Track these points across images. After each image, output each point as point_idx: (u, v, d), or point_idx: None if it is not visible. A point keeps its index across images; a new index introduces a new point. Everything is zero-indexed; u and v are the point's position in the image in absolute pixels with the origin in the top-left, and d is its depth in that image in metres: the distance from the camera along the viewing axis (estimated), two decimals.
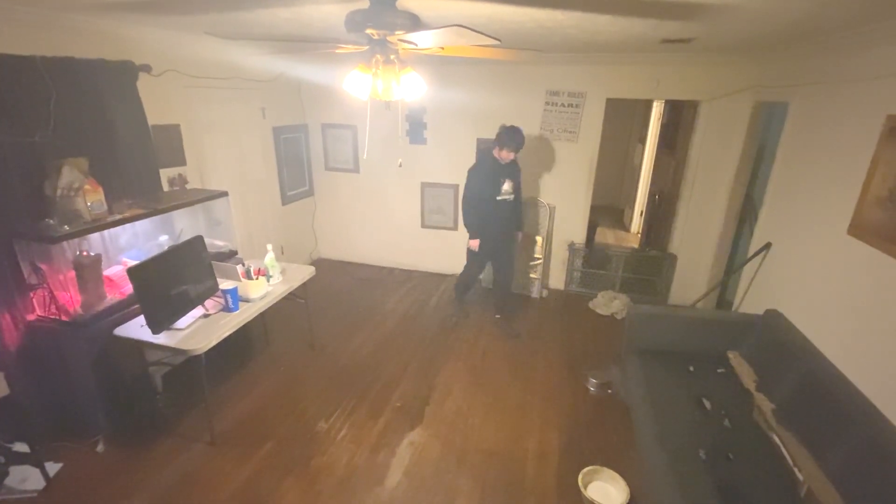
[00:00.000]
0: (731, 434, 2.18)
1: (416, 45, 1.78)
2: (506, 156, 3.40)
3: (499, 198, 3.52)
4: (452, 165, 4.63)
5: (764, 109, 3.60)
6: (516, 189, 3.59)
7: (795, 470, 1.91)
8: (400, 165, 4.48)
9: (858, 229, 2.13)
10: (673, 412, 2.28)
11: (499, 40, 1.46)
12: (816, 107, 2.70)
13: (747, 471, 1.95)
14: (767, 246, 3.07)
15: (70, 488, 2.23)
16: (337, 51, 2.10)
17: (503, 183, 3.50)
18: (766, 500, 1.81)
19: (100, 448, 2.46)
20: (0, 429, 2.26)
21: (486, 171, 3.50)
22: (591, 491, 2.22)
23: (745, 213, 3.89)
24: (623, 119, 7.31)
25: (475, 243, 3.60)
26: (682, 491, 1.81)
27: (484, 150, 3.68)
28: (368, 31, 1.80)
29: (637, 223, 6.56)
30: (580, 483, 2.22)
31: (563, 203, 4.47)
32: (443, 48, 1.91)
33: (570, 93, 4.08)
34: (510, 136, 3.34)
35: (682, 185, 4.16)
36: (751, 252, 3.23)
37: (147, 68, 2.95)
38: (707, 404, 2.35)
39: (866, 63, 2.26)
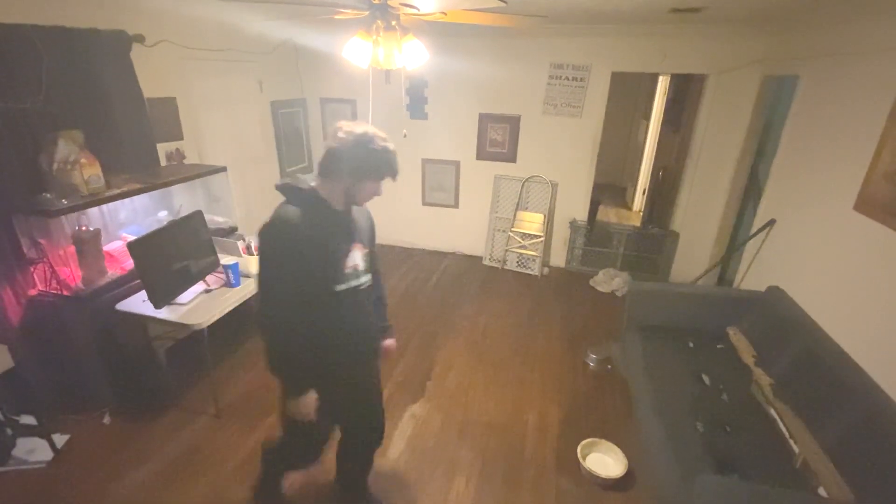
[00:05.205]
0: (728, 407, 2.21)
1: (419, 9, 1.72)
2: (371, 191, 1.53)
3: (346, 286, 1.55)
4: (454, 141, 4.57)
5: (771, 84, 3.52)
6: (372, 256, 1.79)
7: (791, 442, 1.95)
8: (405, 136, 4.33)
9: (865, 205, 2.11)
10: (672, 387, 2.31)
11: (504, 2, 1.40)
12: (826, 80, 2.64)
13: (744, 443, 1.99)
14: (771, 222, 3.05)
15: (78, 459, 2.27)
16: (336, 16, 2.03)
17: (351, 250, 1.57)
18: (762, 471, 1.84)
19: (106, 420, 2.49)
20: (6, 401, 2.29)
21: (315, 232, 1.43)
22: (590, 462, 2.26)
23: (750, 189, 3.85)
24: (627, 94, 7.16)
25: (307, 403, 1.54)
26: (678, 462, 1.84)
27: (300, 192, 1.47)
28: None
29: (639, 201, 6.51)
30: (579, 454, 2.27)
31: (566, 180, 4.42)
32: (445, 13, 1.85)
33: (575, 66, 3.99)
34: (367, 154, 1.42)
35: (687, 162, 4.10)
36: (754, 229, 3.21)
37: (140, 38, 2.86)
38: (706, 379, 2.37)
39: (879, 35, 2.19)
